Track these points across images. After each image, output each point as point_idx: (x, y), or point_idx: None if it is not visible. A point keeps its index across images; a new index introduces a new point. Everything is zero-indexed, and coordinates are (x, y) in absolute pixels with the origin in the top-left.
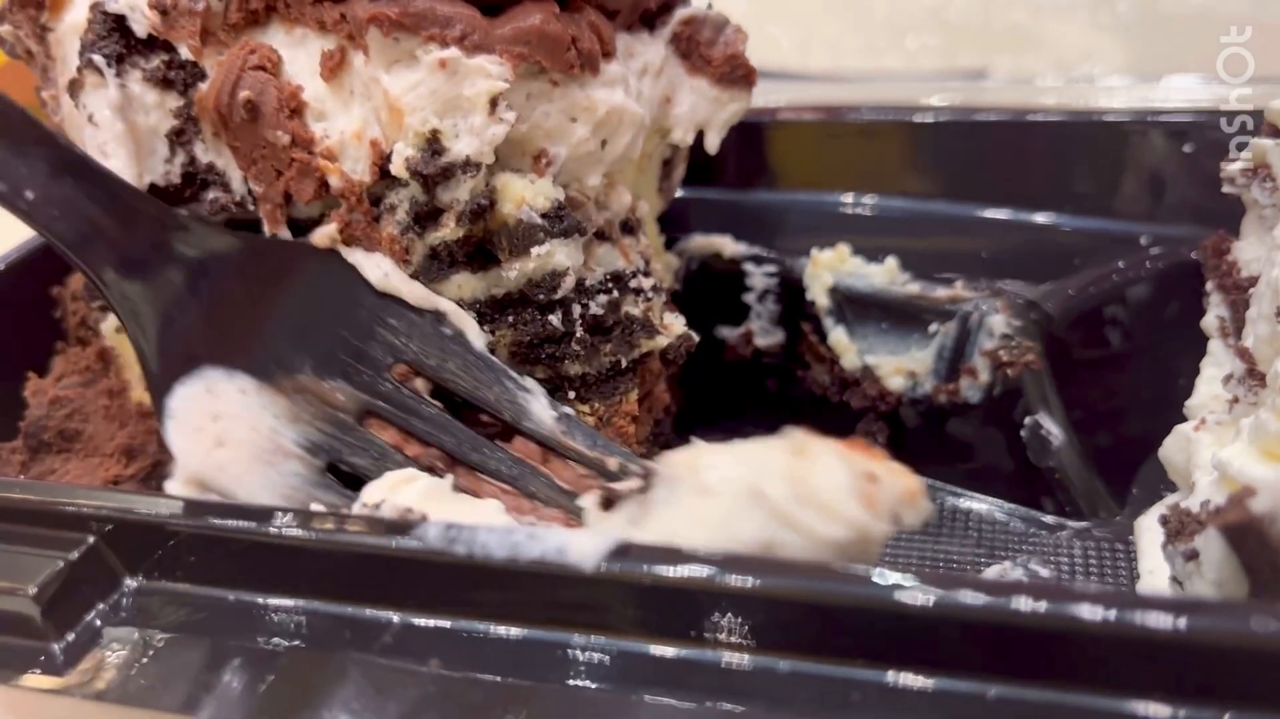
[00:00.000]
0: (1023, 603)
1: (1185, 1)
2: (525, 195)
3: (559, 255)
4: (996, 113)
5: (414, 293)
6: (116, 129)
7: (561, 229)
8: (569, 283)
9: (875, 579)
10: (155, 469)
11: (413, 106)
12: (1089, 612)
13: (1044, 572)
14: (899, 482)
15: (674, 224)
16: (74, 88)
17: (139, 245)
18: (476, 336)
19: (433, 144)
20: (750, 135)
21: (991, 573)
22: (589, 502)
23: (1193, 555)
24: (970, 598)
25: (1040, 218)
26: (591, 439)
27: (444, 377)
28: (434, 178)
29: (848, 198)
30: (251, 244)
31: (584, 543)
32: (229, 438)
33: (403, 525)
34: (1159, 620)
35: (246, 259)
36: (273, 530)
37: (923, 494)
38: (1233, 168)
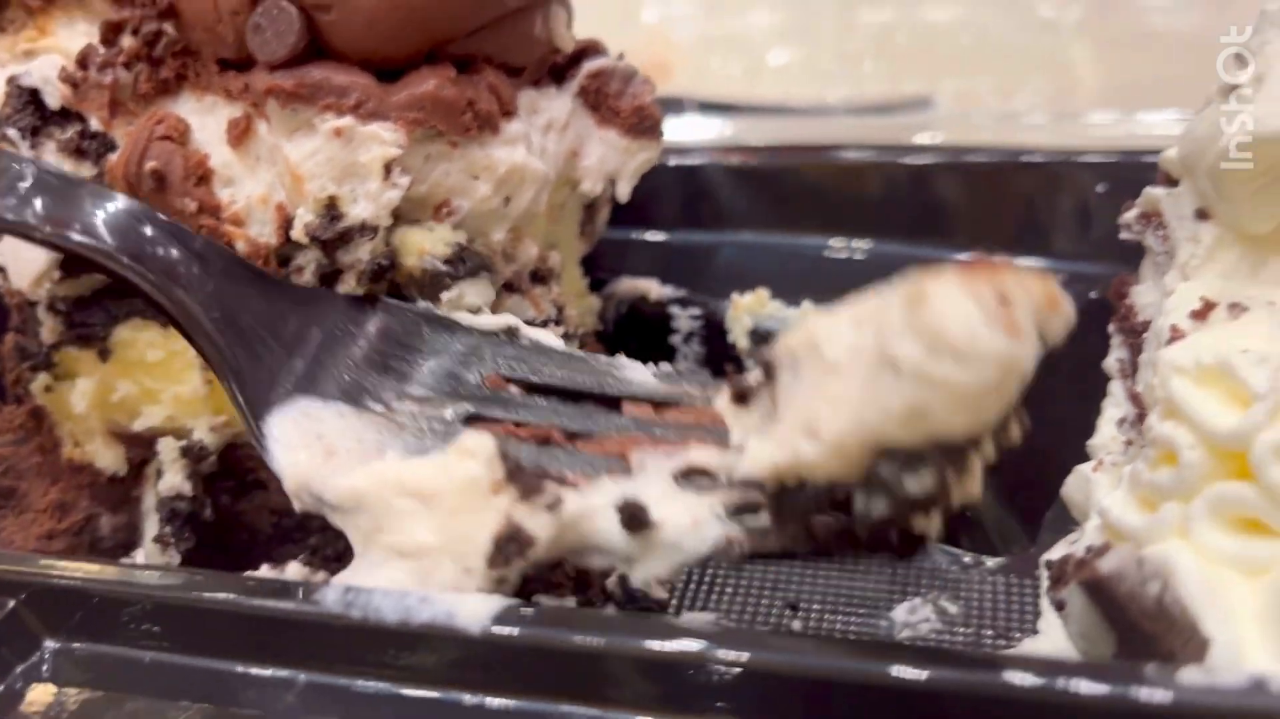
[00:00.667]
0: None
1: (1129, 28)
2: (425, 245)
3: (469, 296)
4: (921, 154)
5: (480, 321)
6: None
7: (467, 270)
8: None
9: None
10: (88, 523)
11: (311, 173)
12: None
13: (952, 608)
14: (1033, 290)
15: (605, 265)
16: None
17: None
18: (552, 339)
19: (330, 210)
20: (680, 177)
21: (900, 611)
22: (722, 401)
23: (1061, 605)
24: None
25: (963, 257)
26: (700, 381)
27: (538, 379)
28: (333, 242)
29: (774, 239)
30: (328, 297)
31: (473, 606)
32: (337, 448)
33: (304, 589)
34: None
35: (328, 308)
36: (180, 595)
37: (1062, 296)
38: (1129, 215)
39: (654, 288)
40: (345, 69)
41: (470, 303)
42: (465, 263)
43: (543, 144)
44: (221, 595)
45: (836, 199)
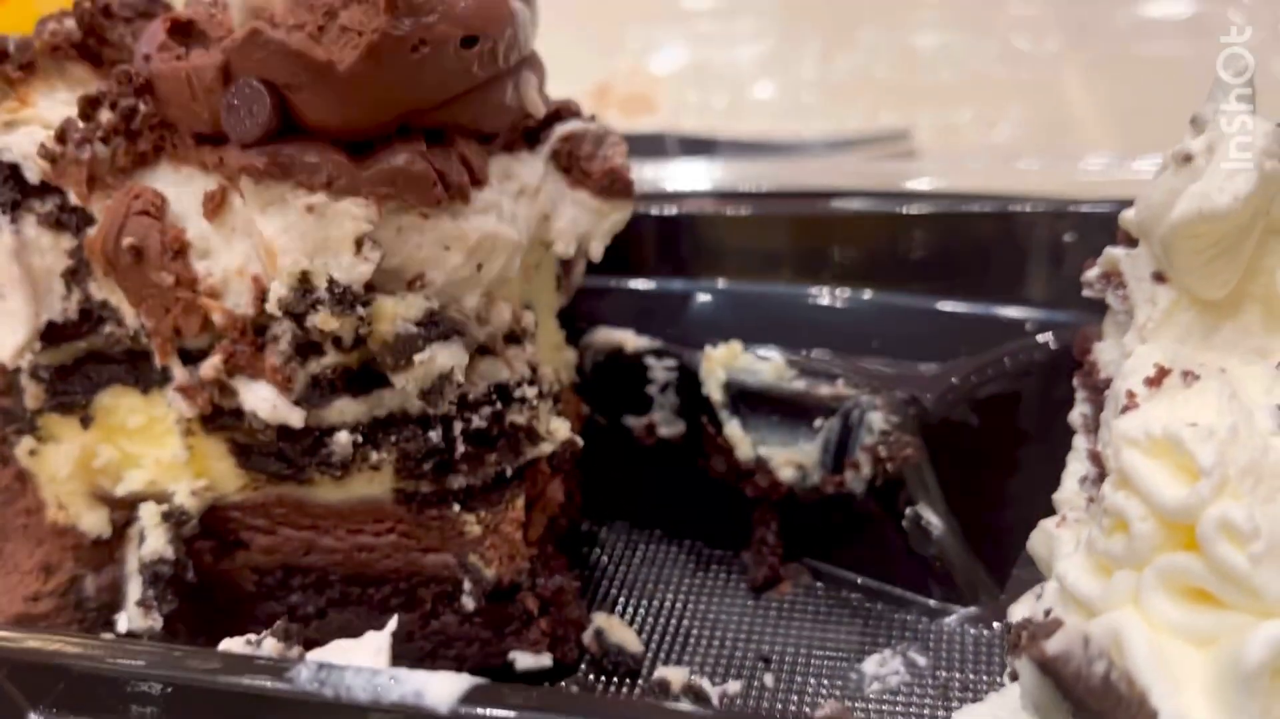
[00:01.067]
0: None
1: (1108, 56)
2: (398, 311)
3: (441, 358)
4: (907, 202)
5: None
6: (13, 272)
7: (439, 333)
8: (458, 380)
9: None
10: (72, 584)
11: (285, 248)
12: None
13: (922, 660)
14: None
15: (582, 313)
16: None
17: None
18: None
19: (304, 283)
20: (658, 224)
21: (870, 663)
22: None
23: (1015, 676)
24: None
25: (928, 303)
26: None
27: None
28: (305, 315)
29: (748, 287)
30: None
31: (442, 685)
32: None
33: (277, 667)
34: None
35: None
36: (160, 672)
37: None
38: (1091, 273)
39: (630, 338)
40: (316, 145)
41: (442, 364)
42: (437, 325)
43: (514, 210)
44: (198, 674)
45: (818, 247)
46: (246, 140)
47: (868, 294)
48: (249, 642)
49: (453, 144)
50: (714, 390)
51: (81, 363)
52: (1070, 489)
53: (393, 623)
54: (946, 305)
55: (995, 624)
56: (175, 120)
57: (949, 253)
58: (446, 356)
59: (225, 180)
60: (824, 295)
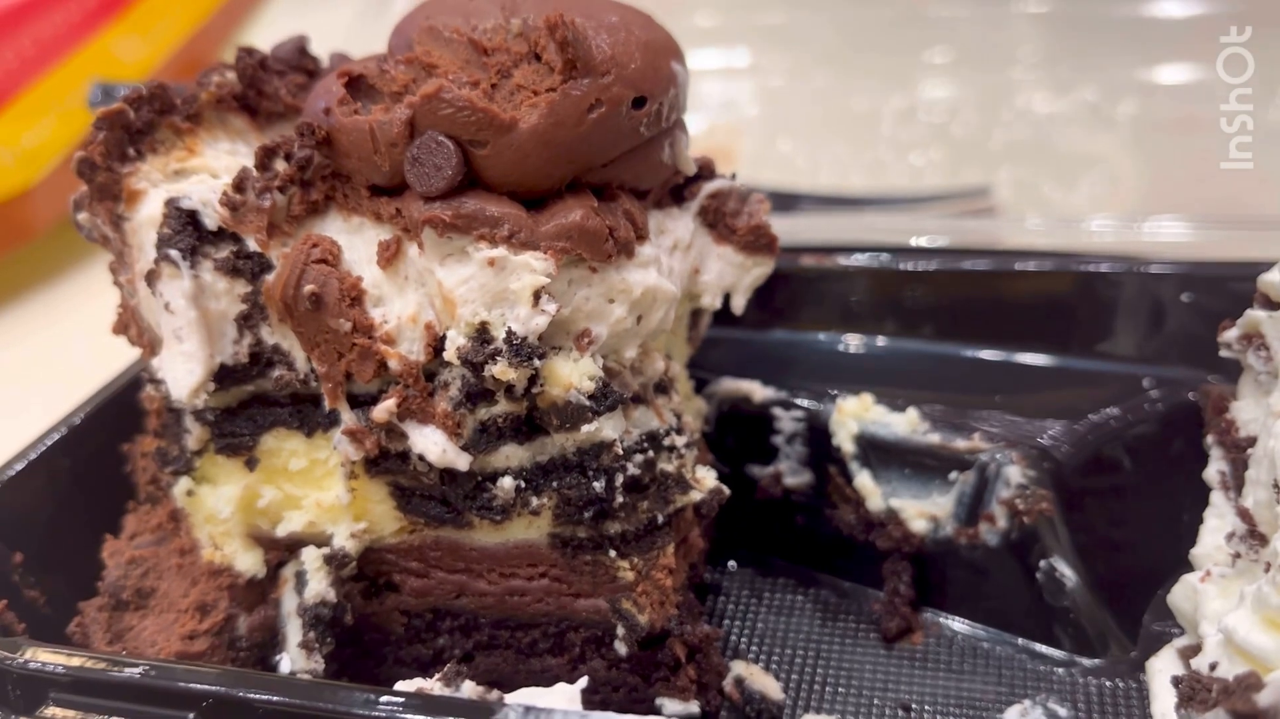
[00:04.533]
0: None
1: (1181, 107)
2: (571, 379)
3: (606, 429)
4: (1007, 259)
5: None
6: (190, 315)
7: (607, 405)
8: (615, 452)
9: None
10: (226, 623)
11: (464, 298)
12: None
13: (1062, 711)
14: None
15: (698, 363)
16: (151, 278)
17: None
18: None
19: (482, 334)
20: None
21: (1011, 714)
22: None
23: None
24: None
25: (1049, 360)
26: None
27: None
28: (483, 364)
29: (862, 339)
30: None
31: None
32: None
33: (480, 708)
34: None
35: None
36: (348, 710)
37: None
38: (1229, 334)
39: (757, 389)
40: (496, 199)
41: (606, 436)
42: (607, 398)
43: (670, 264)
44: (397, 714)
45: (932, 301)
46: (432, 193)
47: (982, 351)
48: (436, 683)
49: (617, 200)
50: (845, 442)
51: (247, 405)
52: (1210, 544)
53: (584, 680)
54: (1059, 361)
55: (1127, 676)
56: (351, 172)
57: (1063, 311)
58: (610, 429)
59: (400, 231)
60: (937, 349)
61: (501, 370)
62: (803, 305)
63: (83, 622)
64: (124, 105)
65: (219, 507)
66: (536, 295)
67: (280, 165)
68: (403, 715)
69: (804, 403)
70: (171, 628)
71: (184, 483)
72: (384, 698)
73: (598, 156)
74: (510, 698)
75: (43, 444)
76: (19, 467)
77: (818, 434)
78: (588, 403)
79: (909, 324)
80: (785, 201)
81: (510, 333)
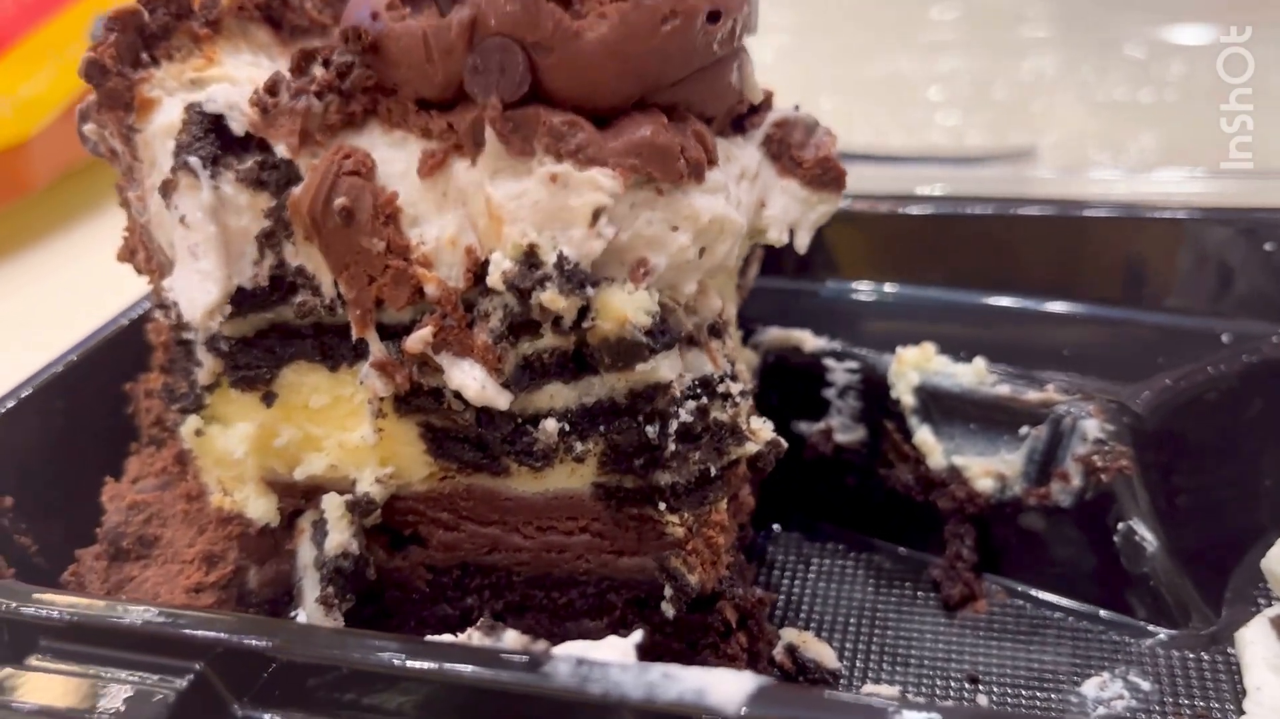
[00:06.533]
0: None
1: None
2: (626, 312)
3: (663, 369)
4: (1077, 207)
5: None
6: (209, 230)
7: (665, 343)
8: (671, 394)
9: None
10: (235, 576)
11: (514, 216)
12: None
13: (1145, 684)
14: None
15: (741, 314)
16: (166, 189)
17: None
18: None
19: (530, 257)
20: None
21: (1090, 686)
22: None
23: None
24: None
25: (1119, 313)
26: None
27: None
28: (530, 290)
29: (919, 290)
30: None
31: (726, 684)
32: None
33: (529, 660)
34: None
35: None
36: (384, 660)
37: None
38: None
39: (808, 339)
40: (563, 111)
41: (662, 376)
42: (664, 335)
43: (738, 194)
44: (437, 663)
45: (997, 254)
46: (497, 102)
47: (1046, 304)
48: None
49: (686, 121)
50: (905, 394)
51: (265, 335)
52: None
53: (639, 633)
54: (1129, 314)
55: (1211, 648)
56: (399, 83)
57: (1133, 261)
58: (667, 368)
59: (451, 147)
60: (1002, 302)
61: (550, 298)
62: (852, 254)
63: (78, 570)
64: (138, 5)
65: (231, 447)
66: (596, 215)
67: (319, 71)
68: (440, 667)
69: (860, 352)
70: (175, 579)
71: (193, 421)
72: (416, 647)
73: (669, 73)
74: (559, 650)
75: (36, 380)
76: (10, 404)
77: (873, 387)
78: (643, 339)
79: (970, 275)
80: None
81: (562, 256)
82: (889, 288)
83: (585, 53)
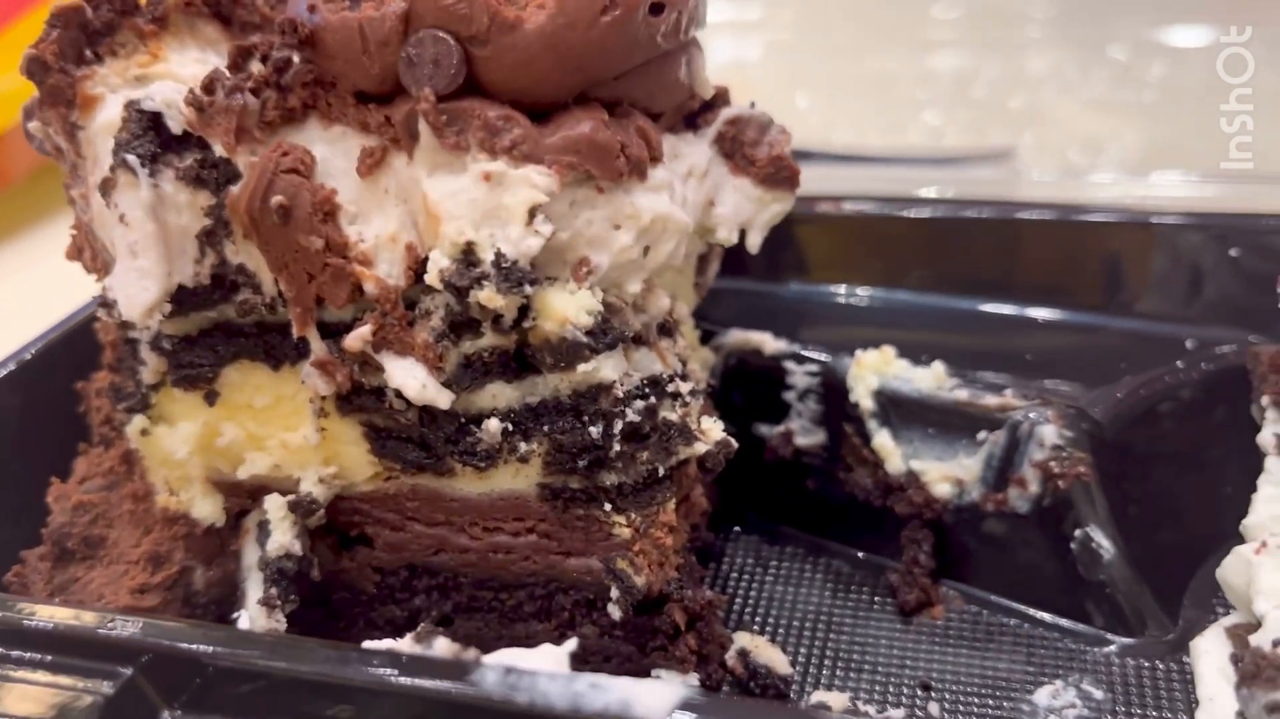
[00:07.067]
0: None
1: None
2: (567, 312)
3: (605, 369)
4: (1035, 209)
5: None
6: (148, 229)
7: (606, 343)
8: (614, 395)
9: None
10: (181, 577)
11: (450, 214)
12: None
13: (1098, 693)
14: None
15: (704, 315)
16: (106, 186)
17: None
18: None
19: (467, 255)
20: (783, 226)
21: (1042, 695)
22: None
23: (1276, 708)
24: None
25: (1083, 318)
26: None
27: None
28: (468, 289)
29: (882, 293)
30: None
31: (652, 696)
32: None
33: (458, 668)
34: None
35: None
36: (315, 669)
37: None
38: None
39: (768, 341)
40: (499, 106)
41: (604, 377)
42: (606, 335)
43: (683, 192)
44: (368, 671)
45: (958, 255)
46: (429, 95)
47: (1011, 308)
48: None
49: (629, 117)
50: (864, 398)
51: (208, 334)
52: (1265, 514)
53: (573, 642)
54: (1092, 319)
55: (1167, 657)
56: (337, 76)
57: (1095, 265)
58: (609, 369)
59: (388, 141)
60: (966, 305)
61: (488, 296)
62: (816, 256)
63: (22, 572)
64: (82, 2)
65: (175, 446)
66: (531, 213)
67: (256, 67)
68: (369, 673)
69: (819, 356)
70: (120, 580)
71: (138, 421)
72: (348, 655)
73: (610, 67)
74: (489, 658)
75: None
76: None
77: (833, 390)
78: (584, 339)
79: (932, 278)
80: (799, 158)
81: (499, 254)
82: (858, 290)
83: (522, 44)
